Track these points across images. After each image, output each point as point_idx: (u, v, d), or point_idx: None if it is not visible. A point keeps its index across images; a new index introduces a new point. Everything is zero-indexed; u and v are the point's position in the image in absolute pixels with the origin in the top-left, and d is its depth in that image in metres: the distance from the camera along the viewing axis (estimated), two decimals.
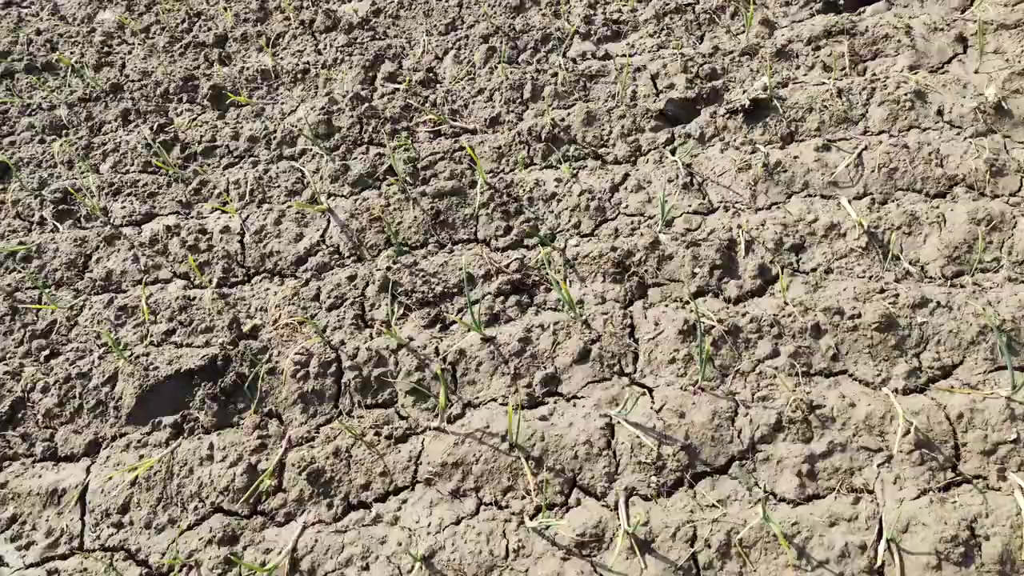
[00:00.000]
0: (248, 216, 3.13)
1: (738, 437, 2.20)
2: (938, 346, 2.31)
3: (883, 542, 1.94)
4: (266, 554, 2.18)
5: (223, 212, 3.18)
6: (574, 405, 2.38)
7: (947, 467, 2.08)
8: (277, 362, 2.58)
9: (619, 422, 2.28)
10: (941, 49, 3.34)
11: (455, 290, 2.76)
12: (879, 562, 1.92)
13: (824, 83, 3.21)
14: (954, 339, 2.32)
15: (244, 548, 2.21)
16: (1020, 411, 2.13)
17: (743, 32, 3.61)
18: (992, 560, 1.90)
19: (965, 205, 2.68)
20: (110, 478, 2.39)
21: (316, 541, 2.18)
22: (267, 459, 2.36)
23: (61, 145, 3.64)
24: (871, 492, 2.05)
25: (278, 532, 2.23)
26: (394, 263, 2.84)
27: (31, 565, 2.23)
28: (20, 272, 3.06)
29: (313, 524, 2.23)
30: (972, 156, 2.84)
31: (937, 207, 2.68)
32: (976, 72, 3.20)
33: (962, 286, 2.47)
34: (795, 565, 1.94)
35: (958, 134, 2.95)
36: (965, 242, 2.57)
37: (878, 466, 2.09)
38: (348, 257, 2.94)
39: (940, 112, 3.04)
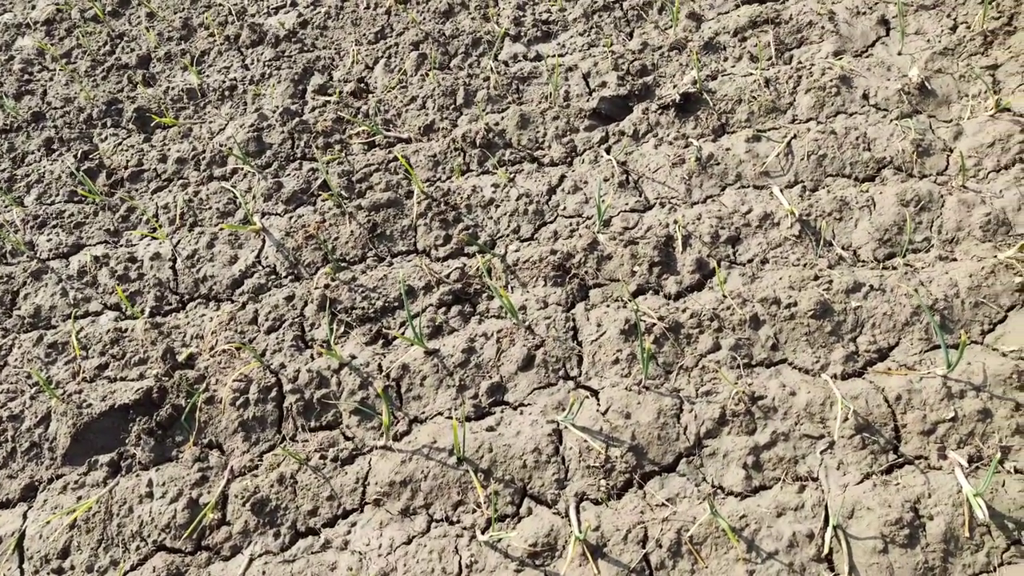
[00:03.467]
0: (179, 241, 3.04)
1: (684, 434, 2.20)
2: (873, 329, 2.35)
3: (830, 529, 1.96)
4: None
5: (153, 239, 3.08)
6: (521, 413, 2.36)
7: (888, 449, 2.11)
8: (215, 390, 2.51)
9: (566, 427, 2.26)
10: (864, 33, 3.39)
11: (396, 304, 2.72)
12: (827, 549, 1.94)
13: (752, 74, 3.24)
14: (889, 321, 2.35)
15: None
16: (956, 389, 2.17)
17: (671, 27, 3.63)
18: (937, 539, 1.93)
19: (894, 187, 2.72)
20: (48, 522, 2.30)
21: (264, 573, 2.12)
22: (209, 492, 2.30)
23: None
24: (815, 479, 2.07)
25: (224, 567, 2.17)
26: (332, 280, 2.79)
27: None
28: None
29: (260, 555, 2.17)
30: (898, 138, 2.89)
31: (866, 191, 2.72)
32: (899, 54, 3.26)
33: (894, 268, 2.51)
34: (745, 558, 1.95)
35: (884, 117, 3.00)
36: (895, 224, 2.61)
37: (821, 453, 2.11)
38: (285, 277, 2.88)
39: (866, 96, 3.09)
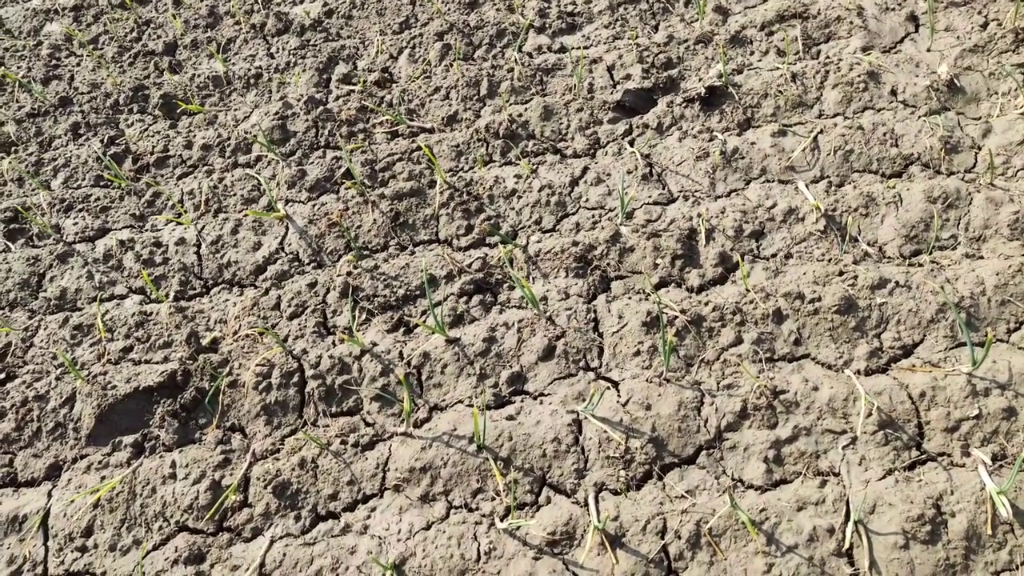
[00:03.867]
0: (204, 227, 3.07)
1: (704, 426, 2.20)
2: (898, 326, 2.33)
3: (851, 524, 1.95)
4: (233, 571, 2.14)
5: (178, 224, 3.11)
6: (541, 403, 2.36)
7: (911, 446, 2.10)
8: (238, 374, 2.53)
9: (586, 418, 2.27)
10: (893, 29, 3.36)
11: (418, 292, 2.73)
12: (847, 544, 1.93)
13: (778, 68, 3.22)
14: (914, 318, 2.34)
15: (211, 566, 2.16)
16: (981, 387, 2.15)
17: (697, 20, 3.61)
18: (959, 536, 1.91)
19: (921, 184, 2.70)
20: (72, 501, 2.33)
21: (284, 555, 2.14)
22: (231, 474, 2.32)
23: (10, 162, 3.54)
24: (837, 475, 2.06)
25: (245, 548, 2.19)
26: (355, 268, 2.80)
27: None
28: None
29: (281, 538, 2.19)
30: (926, 135, 2.86)
31: (893, 187, 2.70)
32: (928, 50, 3.23)
33: (920, 265, 2.49)
34: (764, 551, 1.94)
35: (912, 113, 2.97)
36: (922, 221, 2.59)
37: (843, 448, 2.10)
38: (308, 264, 2.90)
39: (894, 92, 3.06)
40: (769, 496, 2.04)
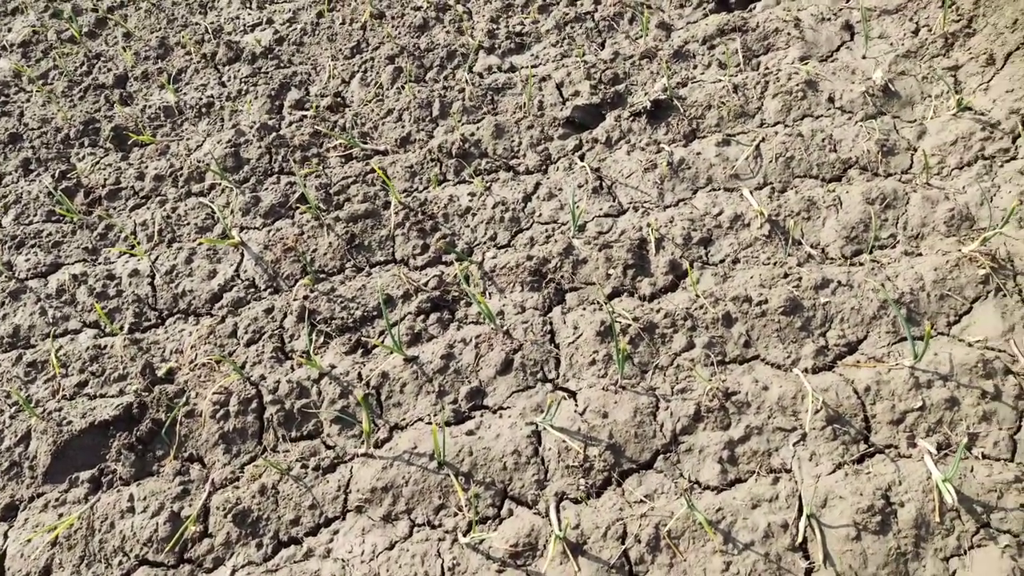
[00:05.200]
0: (158, 257, 3.06)
1: (660, 431, 2.24)
2: (842, 324, 2.40)
3: (804, 519, 1.99)
4: None
5: (131, 255, 3.09)
6: (500, 416, 2.39)
7: (859, 439, 2.16)
8: (195, 404, 2.52)
9: (545, 428, 2.29)
10: (829, 38, 3.48)
11: (375, 313, 2.74)
12: (801, 538, 1.97)
13: (721, 80, 3.31)
14: (856, 316, 2.41)
15: None
16: (924, 379, 2.22)
17: (641, 36, 3.70)
18: (908, 525, 1.97)
19: (859, 186, 2.79)
20: (29, 541, 2.29)
21: None
22: (190, 505, 2.30)
23: None
24: (789, 471, 2.11)
25: None
26: (311, 291, 2.81)
27: None
28: None
29: (243, 566, 2.18)
30: (864, 139, 2.96)
31: (833, 191, 2.78)
32: (863, 58, 3.35)
33: (861, 264, 2.57)
34: (722, 550, 1.98)
35: (849, 119, 3.07)
36: (861, 222, 2.68)
37: (794, 445, 2.15)
38: (264, 289, 2.90)
39: (831, 99, 3.16)
40: (725, 496, 2.08)
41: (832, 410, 2.18)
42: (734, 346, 2.40)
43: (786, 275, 2.51)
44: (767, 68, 3.37)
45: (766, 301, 2.44)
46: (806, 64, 3.33)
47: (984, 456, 2.07)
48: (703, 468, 2.15)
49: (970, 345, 2.29)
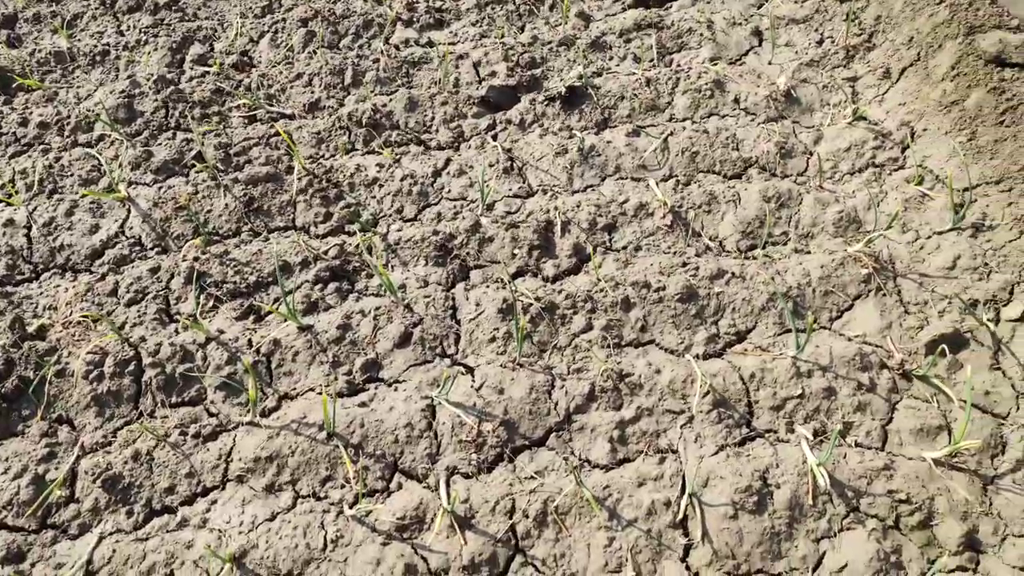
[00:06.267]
0: (36, 208, 2.84)
1: (555, 409, 2.25)
2: (733, 314, 2.48)
3: (686, 497, 2.05)
4: (57, 569, 1.98)
5: (8, 204, 2.86)
6: (395, 390, 2.34)
7: (742, 424, 2.23)
8: (67, 363, 2.35)
9: (440, 403, 2.27)
10: (739, 42, 3.59)
11: (270, 280, 2.64)
12: (682, 515, 2.03)
13: (634, 73, 3.37)
14: (747, 307, 2.50)
15: (32, 565, 2.00)
16: (805, 369, 2.32)
17: (561, 24, 3.72)
18: (783, 506, 2.05)
19: (758, 184, 2.89)
20: None
21: (114, 551, 2.00)
22: (57, 468, 2.15)
23: None
24: (675, 452, 2.16)
25: (71, 545, 2.03)
26: (203, 253, 2.68)
27: None
28: None
29: (111, 534, 2.05)
30: (764, 140, 3.07)
31: (733, 187, 2.88)
32: (770, 63, 3.47)
33: (755, 258, 2.66)
34: (607, 526, 2.01)
35: (752, 120, 3.18)
36: (757, 218, 2.78)
37: (681, 427, 2.21)
38: (151, 248, 2.74)
39: (737, 100, 3.27)
40: (613, 474, 2.11)
41: (719, 395, 2.25)
42: (631, 330, 2.44)
43: (684, 264, 2.57)
44: (679, 65, 3.45)
45: (664, 288, 2.49)
46: (716, 65, 3.43)
47: (857, 444, 2.18)
48: (594, 447, 2.18)
49: (850, 340, 2.42)
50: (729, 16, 3.73)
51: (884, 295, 2.51)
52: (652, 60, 3.48)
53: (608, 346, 2.40)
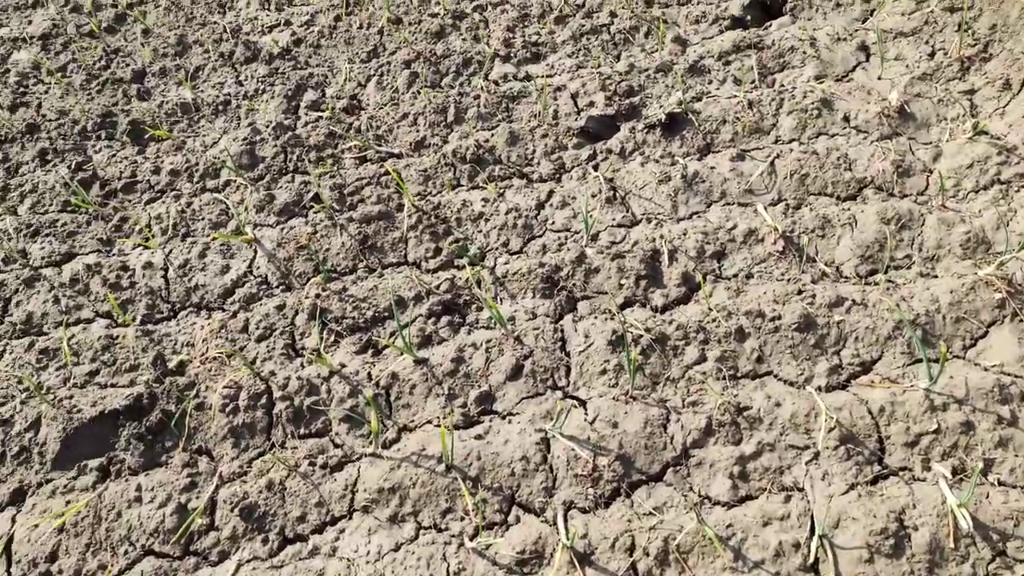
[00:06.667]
0: (171, 251, 3.06)
1: (671, 443, 2.23)
2: (856, 343, 2.40)
3: (816, 539, 1.98)
4: None
5: (145, 248, 3.10)
6: (509, 422, 2.38)
7: (873, 460, 2.15)
8: (205, 397, 2.52)
9: (554, 436, 2.29)
10: (844, 58, 3.49)
11: (386, 314, 2.74)
12: (813, 558, 1.96)
13: (736, 96, 3.33)
14: (871, 335, 2.41)
15: None
16: (939, 402, 2.22)
17: (657, 50, 3.72)
18: (922, 550, 1.95)
19: (875, 206, 2.79)
20: (36, 526, 2.28)
21: None
22: (198, 497, 2.30)
23: None
24: (801, 490, 2.10)
25: (212, 572, 2.16)
26: (323, 290, 2.81)
27: None
28: None
29: (248, 561, 2.17)
30: (879, 159, 2.97)
31: (848, 209, 2.79)
32: (879, 79, 3.36)
33: (876, 284, 2.57)
34: (732, 567, 1.97)
35: (864, 138, 3.08)
36: (876, 241, 2.68)
37: (806, 464, 2.14)
38: (276, 287, 2.90)
39: (846, 118, 3.17)
40: (735, 512, 2.07)
41: (846, 430, 2.18)
42: (747, 361, 2.40)
43: (800, 292, 2.51)
44: (782, 85, 3.38)
45: (779, 317, 2.43)
46: (821, 83, 3.35)
47: (1000, 483, 2.06)
48: (713, 483, 2.14)
49: (986, 369, 2.29)
50: (832, 32, 3.63)
51: (1021, 321, 2.37)
52: (753, 81, 3.43)
53: (723, 378, 2.36)
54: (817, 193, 2.89)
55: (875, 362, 2.38)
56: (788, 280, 2.59)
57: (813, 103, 3.20)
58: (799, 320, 2.42)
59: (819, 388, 2.31)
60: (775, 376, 2.36)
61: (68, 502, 2.32)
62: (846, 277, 2.62)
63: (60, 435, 2.45)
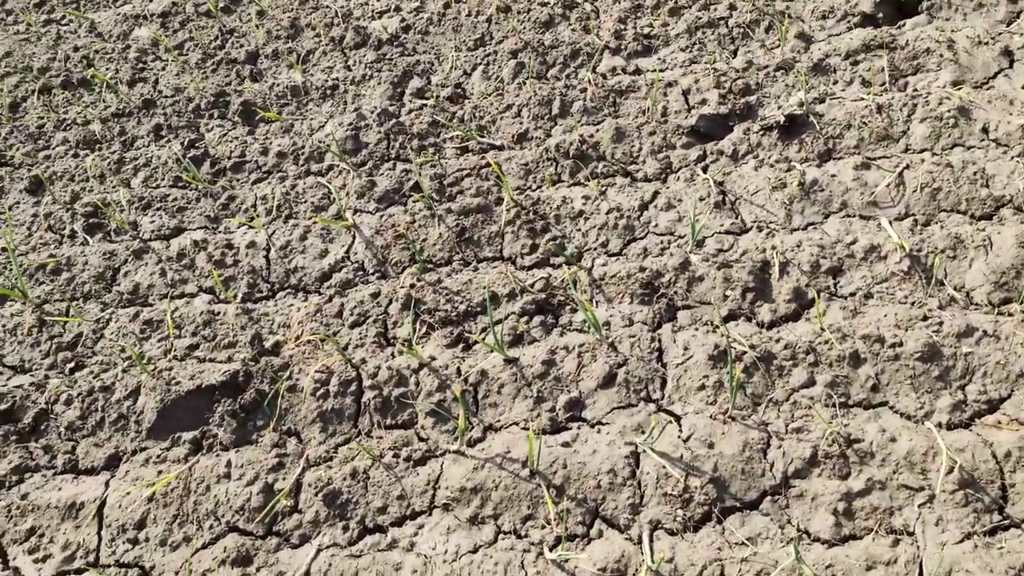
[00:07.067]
0: (274, 231, 3.12)
1: (770, 471, 2.10)
2: (984, 378, 2.19)
3: None
4: None
5: (250, 227, 3.17)
6: (598, 431, 2.30)
7: (993, 509, 1.96)
8: (297, 379, 2.55)
9: (645, 451, 2.19)
10: (985, 64, 3.21)
11: (478, 309, 2.70)
12: None
13: (863, 99, 3.10)
14: (1002, 371, 2.19)
15: (257, 569, 2.16)
16: None
17: (778, 46, 3.52)
18: None
19: (1013, 228, 2.55)
20: (128, 493, 2.37)
21: (330, 565, 2.13)
22: (284, 478, 2.32)
23: (93, 159, 3.68)
24: (911, 534, 1.93)
25: (292, 554, 2.18)
26: (418, 280, 2.80)
27: None
28: (49, 285, 3.08)
29: (328, 547, 2.18)
30: (1020, 176, 2.71)
31: (983, 230, 2.55)
32: (1023, 87, 3.07)
33: (1010, 314, 2.34)
34: None
35: (1005, 153, 2.82)
36: (1013, 267, 2.44)
37: (919, 506, 1.97)
38: (372, 274, 2.91)
39: (985, 130, 2.91)
40: (837, 551, 1.93)
41: (966, 473, 1.99)
42: (860, 389, 2.23)
43: (925, 318, 2.31)
44: (915, 90, 3.13)
45: (901, 344, 2.25)
46: (959, 89, 3.08)
47: None
48: (814, 517, 2.00)
49: None
50: (973, 35, 3.34)
51: None
52: (883, 84, 3.19)
53: (833, 405, 2.20)
54: (949, 210, 2.66)
55: (1004, 401, 2.17)
56: (912, 304, 2.40)
57: (949, 111, 2.95)
58: (923, 349, 2.23)
59: (939, 425, 2.12)
60: (891, 408, 2.18)
61: (160, 472, 2.40)
62: (977, 304, 2.40)
63: (157, 405, 2.54)
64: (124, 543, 2.26)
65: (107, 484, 2.41)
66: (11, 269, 3.15)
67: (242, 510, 2.27)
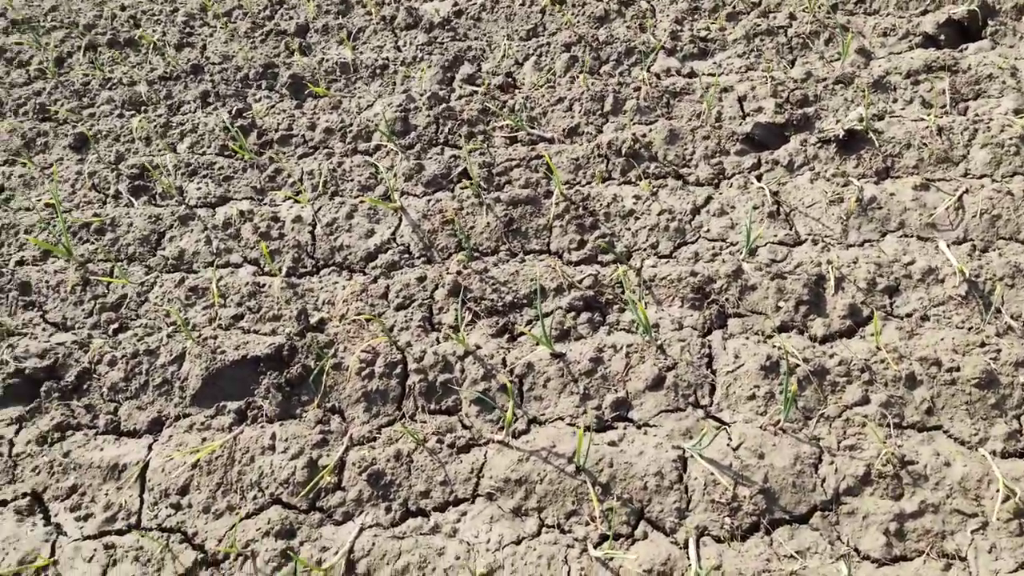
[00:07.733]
0: (320, 208, 3.10)
1: (821, 486, 2.08)
2: None
3: None
4: (323, 552, 2.12)
5: (296, 202, 3.15)
6: (645, 433, 2.29)
7: None
8: (343, 358, 2.54)
9: (693, 456, 2.18)
10: None
11: (525, 301, 2.69)
12: None
13: (923, 119, 3.08)
14: None
15: (301, 543, 2.16)
16: None
17: (838, 59, 3.49)
18: None
19: None
20: (171, 458, 2.36)
21: (373, 545, 2.12)
22: (328, 455, 2.32)
23: (140, 121, 3.66)
24: (963, 559, 1.92)
25: (335, 531, 2.18)
26: (464, 268, 2.79)
27: (88, 537, 2.22)
28: (93, 244, 3.07)
29: (370, 527, 2.17)
30: None
31: None
32: None
33: None
34: None
35: None
36: None
37: (972, 532, 1.96)
38: (418, 258, 2.89)
39: None
40: (887, 571, 1.92)
41: (1022, 503, 1.98)
42: (915, 411, 2.21)
43: (983, 344, 2.29)
44: (976, 115, 3.10)
45: (958, 368, 2.23)
46: (1021, 117, 3.05)
47: None
48: (865, 536, 1.99)
49: None
50: None
51: None
52: (944, 106, 3.16)
53: (887, 425, 2.19)
54: (1008, 237, 2.64)
55: None
56: (969, 329, 2.38)
57: (1011, 139, 2.92)
58: (980, 375, 2.21)
59: (994, 452, 2.11)
60: (945, 432, 2.17)
61: (204, 439, 2.39)
62: None
63: (202, 373, 2.53)
64: (167, 508, 2.25)
65: (150, 447, 2.41)
66: (55, 225, 3.14)
67: (287, 483, 2.27)
